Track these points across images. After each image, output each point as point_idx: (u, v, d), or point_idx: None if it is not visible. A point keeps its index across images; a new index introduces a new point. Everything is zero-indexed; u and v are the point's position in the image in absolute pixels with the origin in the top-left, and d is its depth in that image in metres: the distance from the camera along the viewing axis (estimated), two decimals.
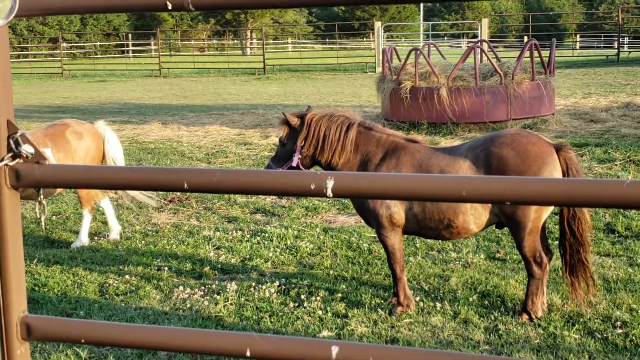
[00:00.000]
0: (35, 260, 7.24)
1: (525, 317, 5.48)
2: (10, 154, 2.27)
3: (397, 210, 5.56)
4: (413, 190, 2.00)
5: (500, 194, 1.86)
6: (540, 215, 5.38)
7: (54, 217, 9.10)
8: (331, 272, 6.73)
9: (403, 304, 5.71)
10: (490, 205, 5.39)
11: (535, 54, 14.61)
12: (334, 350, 2.13)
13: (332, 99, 22.70)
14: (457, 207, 5.38)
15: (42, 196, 2.63)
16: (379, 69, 27.53)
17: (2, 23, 1.18)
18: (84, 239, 7.93)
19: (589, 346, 4.99)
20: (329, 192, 2.05)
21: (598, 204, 1.77)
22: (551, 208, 5.51)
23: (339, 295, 6.09)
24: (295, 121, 5.85)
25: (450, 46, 52.86)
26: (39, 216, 2.45)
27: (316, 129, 5.78)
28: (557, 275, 6.22)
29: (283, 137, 5.97)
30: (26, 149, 2.27)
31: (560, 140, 12.66)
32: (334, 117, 5.81)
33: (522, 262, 5.88)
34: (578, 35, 56.31)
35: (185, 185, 2.20)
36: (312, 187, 2.08)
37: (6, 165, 2.27)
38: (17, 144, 2.27)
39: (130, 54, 53.19)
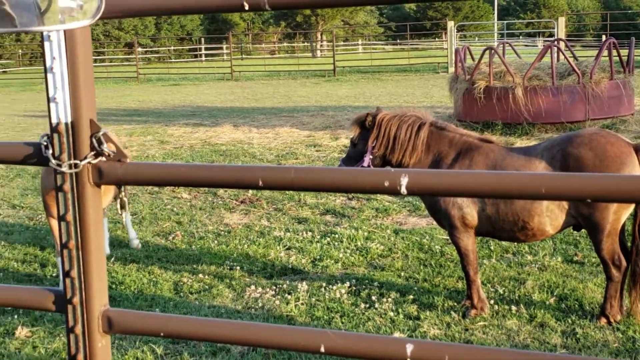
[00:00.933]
0: (112, 258, 7.42)
1: (603, 320, 5.34)
2: (93, 152, 2.34)
3: (470, 211, 5.49)
4: (489, 188, 1.97)
5: (581, 191, 1.83)
6: (619, 217, 5.23)
7: (130, 217, 9.32)
8: (402, 274, 6.70)
9: (477, 307, 5.63)
10: (567, 206, 5.27)
11: (614, 52, 14.24)
12: (409, 348, 2.13)
13: (403, 100, 22.59)
14: (532, 208, 5.28)
15: (123, 193, 2.70)
16: (451, 69, 27.27)
17: (89, 23, 1.21)
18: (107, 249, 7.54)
19: None
20: (403, 189, 2.04)
21: None
22: (630, 209, 5.34)
23: (411, 297, 6.05)
24: (369, 120, 5.85)
25: (526, 45, 51.90)
26: (120, 213, 2.51)
27: (387, 129, 5.76)
28: None
29: (355, 138, 5.98)
30: (108, 147, 2.33)
31: None
32: (405, 116, 5.78)
33: (601, 265, 5.73)
34: None
35: (260, 183, 2.23)
36: (386, 184, 2.07)
37: (89, 163, 2.34)
38: (100, 143, 2.33)
39: (203, 58, 54.06)
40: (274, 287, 6.45)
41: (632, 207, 5.33)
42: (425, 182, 2.04)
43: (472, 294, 5.66)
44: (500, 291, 6.11)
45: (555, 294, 5.97)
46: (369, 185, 2.13)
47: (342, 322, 5.67)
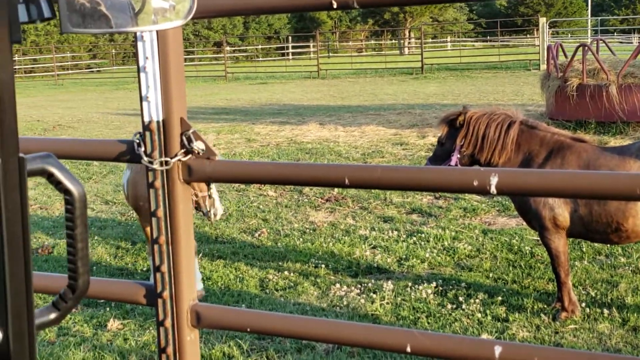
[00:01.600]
0: (200, 254, 7.58)
1: None
2: (183, 150, 2.39)
3: (561, 212, 5.35)
4: (582, 188, 1.91)
5: None
6: None
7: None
8: (491, 274, 6.58)
9: (567, 310, 5.49)
10: None
11: None
12: (497, 350, 2.09)
13: (493, 98, 22.20)
14: (626, 209, 5.11)
15: (212, 190, 2.75)
16: (543, 67, 26.67)
17: (181, 23, 1.23)
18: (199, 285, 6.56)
19: None
20: (493, 189, 2.01)
21: None
22: None
23: (499, 298, 5.95)
24: (461, 119, 5.78)
25: (621, 42, 50.28)
26: (208, 209, 2.56)
27: (476, 127, 5.68)
28: None
29: (442, 137, 5.92)
30: (198, 145, 2.37)
31: None
32: (495, 115, 5.68)
33: None
34: None
35: (347, 181, 2.22)
36: (475, 183, 2.04)
37: (179, 160, 2.39)
38: (190, 141, 2.38)
39: (290, 56, 54.54)
40: (359, 286, 6.45)
41: None
42: (515, 182, 1.99)
43: (562, 296, 5.51)
44: (592, 294, 5.94)
45: None
46: (457, 185, 2.10)
47: (428, 323, 5.62)
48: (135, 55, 2.39)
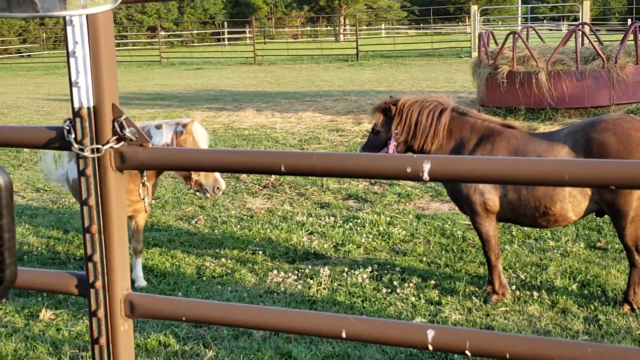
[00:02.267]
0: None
1: (626, 307, 5.30)
2: (115, 137, 2.35)
3: (491, 197, 5.46)
4: (512, 174, 1.96)
5: (604, 177, 1.80)
6: None
7: (153, 202, 9.38)
8: (424, 259, 6.68)
9: (498, 292, 5.61)
10: (589, 192, 5.23)
11: None
12: (430, 334, 2.12)
13: (426, 85, 22.47)
14: (553, 194, 5.24)
15: (145, 178, 2.71)
16: (474, 54, 27.06)
17: (110, 7, 1.21)
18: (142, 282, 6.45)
19: None
20: (425, 176, 2.03)
21: None
22: None
23: (432, 282, 6.04)
24: (394, 108, 5.80)
25: (550, 29, 51.38)
26: (142, 198, 2.52)
27: (409, 115, 5.73)
28: None
29: (377, 125, 5.95)
30: (130, 132, 2.34)
31: None
32: (426, 102, 5.74)
33: (624, 252, 5.68)
34: None
35: (283, 168, 2.22)
36: (408, 170, 2.06)
37: (111, 147, 2.35)
38: (122, 127, 2.34)
39: (226, 42, 54.07)
40: (296, 272, 6.47)
41: None
42: (447, 169, 2.02)
43: (493, 279, 5.64)
44: (522, 277, 6.09)
45: (577, 280, 5.93)
46: (391, 171, 2.12)
47: (364, 307, 5.67)
48: (65, 40, 2.33)
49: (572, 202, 5.25)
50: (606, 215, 5.48)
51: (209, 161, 2.34)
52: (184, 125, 5.95)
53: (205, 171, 5.13)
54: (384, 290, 5.94)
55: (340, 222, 8.01)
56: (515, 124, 5.81)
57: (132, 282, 6.15)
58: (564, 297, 5.60)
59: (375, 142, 5.96)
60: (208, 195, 6.07)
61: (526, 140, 5.46)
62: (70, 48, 2.31)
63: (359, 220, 7.97)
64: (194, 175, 5.99)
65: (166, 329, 5.36)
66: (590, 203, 5.28)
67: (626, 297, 5.33)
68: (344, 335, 2.22)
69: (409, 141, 5.79)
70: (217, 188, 6.06)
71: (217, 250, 7.21)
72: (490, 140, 5.52)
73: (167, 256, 7.06)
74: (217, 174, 6.06)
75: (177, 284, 6.32)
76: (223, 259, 6.90)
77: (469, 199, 5.52)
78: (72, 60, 2.32)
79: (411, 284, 6.01)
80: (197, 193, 6.19)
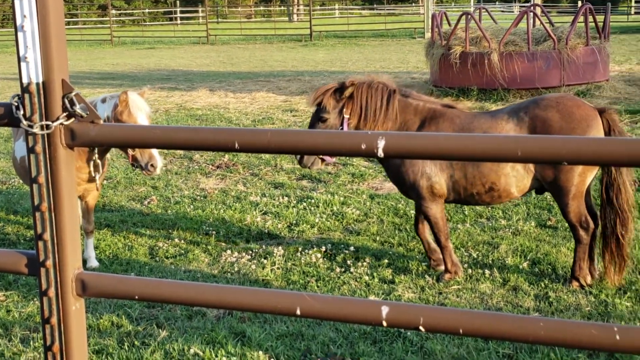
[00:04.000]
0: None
1: (575, 284, 5.41)
2: (65, 114, 2.30)
3: (438, 179, 5.49)
4: (467, 150, 1.97)
5: (556, 153, 1.83)
6: (584, 180, 5.29)
7: (105, 182, 9.25)
8: (378, 238, 6.72)
9: (451, 271, 5.68)
10: (533, 169, 5.31)
11: (590, 18, 14.27)
12: (384, 310, 2.13)
13: (380, 66, 22.52)
14: (498, 169, 5.31)
15: (97, 156, 2.66)
16: (427, 35, 27.17)
17: None
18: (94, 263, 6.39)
19: None
20: (380, 152, 2.04)
21: None
22: (595, 171, 5.39)
23: (386, 261, 6.09)
24: (351, 89, 5.55)
25: (502, 11, 51.86)
26: (93, 175, 2.47)
27: (360, 98, 5.60)
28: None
29: (329, 109, 5.60)
30: (81, 108, 2.29)
31: (614, 107, 12.41)
32: (375, 84, 5.64)
33: None
34: (633, 0, 54.78)
35: (237, 145, 2.21)
36: (363, 147, 2.06)
37: (61, 124, 2.30)
38: (72, 104, 2.29)
39: (178, 21, 53.41)
40: (250, 252, 6.45)
41: (596, 169, 5.39)
42: (402, 145, 2.03)
43: (445, 258, 5.70)
44: (474, 255, 6.16)
45: (528, 258, 6.03)
46: (346, 148, 2.11)
47: (318, 286, 5.69)
48: (13, 14, 2.27)
49: (516, 177, 5.33)
50: (546, 193, 5.58)
51: (161, 138, 2.31)
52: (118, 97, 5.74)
53: (159, 148, 5.00)
54: (338, 270, 5.96)
55: (294, 202, 8.01)
56: (457, 104, 5.82)
57: (84, 262, 6.08)
58: (515, 275, 5.69)
59: (321, 128, 5.60)
60: (144, 172, 5.85)
61: (470, 118, 5.51)
62: (19, 22, 2.25)
63: (312, 200, 7.97)
64: (130, 150, 5.76)
65: (119, 309, 5.31)
66: (533, 180, 5.37)
67: (573, 274, 5.44)
68: (298, 312, 2.22)
69: (359, 126, 5.64)
70: (152, 165, 5.78)
71: (170, 231, 7.15)
72: (434, 122, 5.53)
73: (119, 237, 6.98)
74: (154, 151, 5.79)
75: (129, 265, 6.26)
76: (176, 240, 6.84)
77: (416, 184, 5.53)
78: (20, 34, 2.26)
79: (365, 263, 6.04)
80: (135, 168, 5.99)
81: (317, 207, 7.76)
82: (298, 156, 5.97)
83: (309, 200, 8.01)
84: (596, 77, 14.44)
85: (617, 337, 1.98)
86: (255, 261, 6.23)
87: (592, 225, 5.38)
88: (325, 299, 2.28)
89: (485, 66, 14.07)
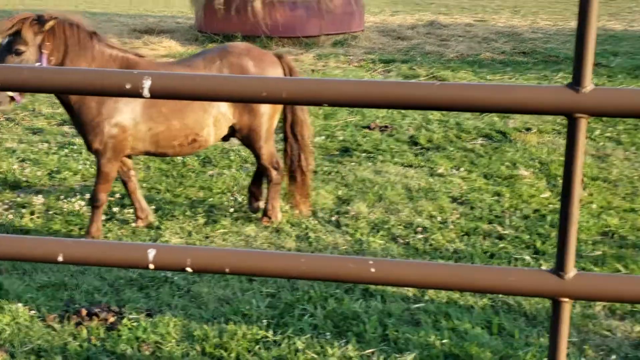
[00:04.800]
0: None
1: (266, 220, 5.78)
2: None
3: (134, 132, 5.26)
4: (234, 91, 1.99)
5: (319, 94, 1.91)
6: (273, 122, 5.68)
7: None
8: (144, 184, 6.61)
9: (93, 235, 5.40)
10: (232, 117, 5.47)
11: None
12: (151, 253, 2.13)
13: (143, 9, 21.84)
14: (202, 120, 5.36)
15: None
16: None
17: None
18: None
19: (393, 250, 5.30)
20: (146, 92, 2.00)
21: (412, 105, 1.86)
22: (279, 113, 5.76)
23: (153, 207, 6.02)
24: (53, 23, 5.02)
25: None
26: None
27: (64, 35, 5.11)
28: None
29: (28, 41, 4.97)
30: None
31: (369, 56, 13.11)
32: (75, 23, 5.17)
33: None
34: None
35: None
36: (128, 86, 2.02)
37: None
38: None
39: None
40: (7, 202, 6.09)
41: (280, 110, 5.77)
42: (170, 85, 2.00)
43: (94, 217, 5.43)
44: (240, 200, 6.28)
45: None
46: (109, 87, 2.05)
47: (82, 235, 5.51)
48: None
49: (217, 126, 5.46)
50: (229, 140, 5.83)
51: None
52: None
53: None
54: (103, 217, 5.80)
55: (55, 148, 7.63)
56: (143, 53, 5.73)
57: None
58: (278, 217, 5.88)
59: (15, 62, 4.97)
60: None
61: (168, 67, 5.55)
62: None
63: (75, 147, 7.64)
64: None
65: None
66: (229, 128, 5.58)
67: (265, 212, 5.82)
68: (60, 259, 2.14)
69: (58, 64, 5.14)
70: None
71: None
72: None
73: None
74: None
75: None
76: None
77: (102, 138, 5.19)
78: None
79: (131, 210, 5.93)
80: None
81: (80, 153, 7.46)
82: None
83: (71, 146, 7.68)
84: (353, 27, 15.09)
85: (372, 269, 2.12)
86: (12, 210, 5.90)
87: (282, 165, 5.80)
88: (89, 244, 2.22)
89: (249, 13, 14.17)
